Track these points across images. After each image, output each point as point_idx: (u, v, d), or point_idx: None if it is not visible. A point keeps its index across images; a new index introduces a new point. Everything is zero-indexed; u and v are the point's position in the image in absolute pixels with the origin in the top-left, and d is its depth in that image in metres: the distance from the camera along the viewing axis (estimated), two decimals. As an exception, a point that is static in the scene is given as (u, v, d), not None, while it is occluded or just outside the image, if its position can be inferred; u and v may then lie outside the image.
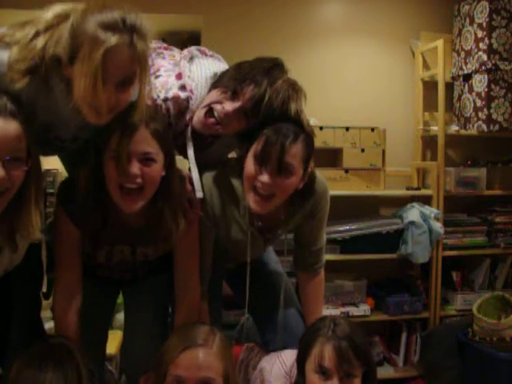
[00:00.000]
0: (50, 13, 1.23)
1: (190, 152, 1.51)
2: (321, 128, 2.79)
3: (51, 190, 1.51)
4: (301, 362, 1.43)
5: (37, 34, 1.21)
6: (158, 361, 1.33)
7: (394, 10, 3.20)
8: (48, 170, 2.51)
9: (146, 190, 1.36)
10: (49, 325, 1.69)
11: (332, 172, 2.81)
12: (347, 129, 2.84)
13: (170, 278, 1.59)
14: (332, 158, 2.92)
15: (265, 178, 1.40)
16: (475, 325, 2.69)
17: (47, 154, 1.47)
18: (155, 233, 1.47)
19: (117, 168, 1.31)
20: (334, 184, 2.75)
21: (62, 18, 1.21)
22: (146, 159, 1.33)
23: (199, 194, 1.50)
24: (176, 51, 1.61)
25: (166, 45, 1.61)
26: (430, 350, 2.84)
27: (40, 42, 1.20)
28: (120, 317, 2.38)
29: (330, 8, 3.16)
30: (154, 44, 1.53)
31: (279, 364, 1.53)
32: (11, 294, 1.51)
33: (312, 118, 2.76)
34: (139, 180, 1.33)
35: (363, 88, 3.16)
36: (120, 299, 1.80)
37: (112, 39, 1.14)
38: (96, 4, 1.21)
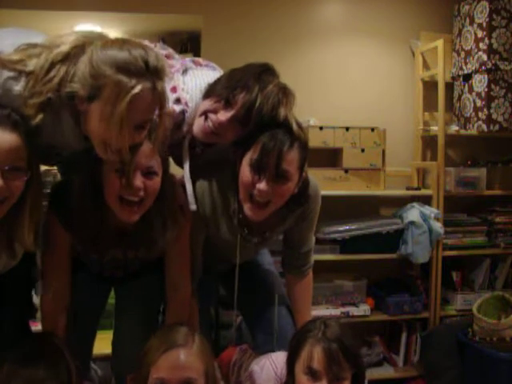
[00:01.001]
0: (66, 44, 1.21)
1: (186, 166, 1.52)
2: (321, 128, 2.78)
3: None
4: (290, 363, 1.43)
5: (52, 66, 1.19)
6: (140, 363, 1.33)
7: (394, 9, 3.19)
8: (48, 170, 2.51)
9: (146, 201, 1.36)
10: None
11: (332, 172, 2.79)
12: (347, 129, 2.83)
13: (161, 278, 1.59)
14: (332, 157, 2.90)
15: (262, 185, 1.40)
16: (475, 325, 2.69)
17: (48, 164, 1.48)
18: (144, 237, 1.48)
19: (120, 180, 1.31)
20: (333, 184, 2.74)
21: (79, 49, 1.20)
22: (149, 173, 1.34)
23: (193, 207, 1.50)
24: (175, 59, 1.58)
25: (166, 52, 1.57)
26: (430, 350, 2.84)
27: (57, 77, 1.19)
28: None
29: (330, 8, 3.16)
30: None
31: (269, 366, 1.53)
32: (3, 297, 1.51)
33: (312, 118, 2.76)
34: (142, 193, 1.33)
35: (363, 88, 3.16)
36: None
37: (137, 86, 1.14)
38: (115, 40, 1.20)
